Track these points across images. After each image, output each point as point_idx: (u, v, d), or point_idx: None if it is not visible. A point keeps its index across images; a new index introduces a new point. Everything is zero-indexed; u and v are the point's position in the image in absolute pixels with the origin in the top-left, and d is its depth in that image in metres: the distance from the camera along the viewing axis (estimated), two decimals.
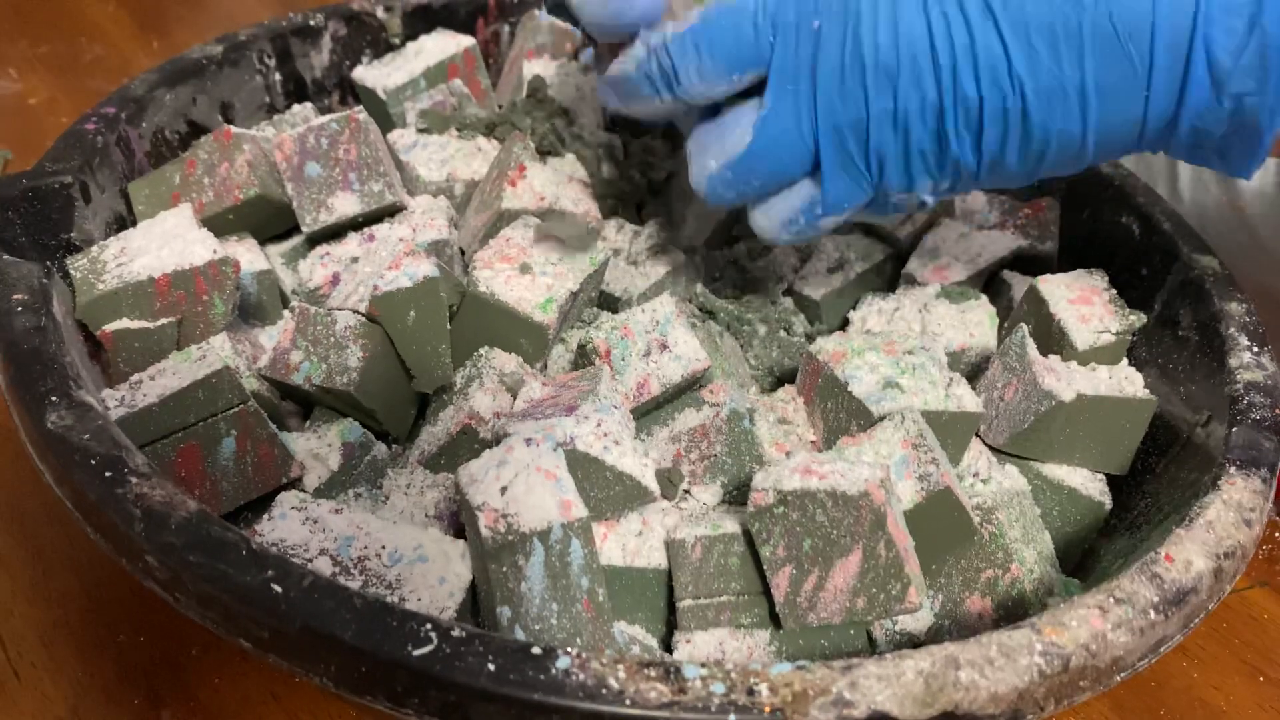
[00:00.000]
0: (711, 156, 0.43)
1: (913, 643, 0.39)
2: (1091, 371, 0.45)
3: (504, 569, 0.34)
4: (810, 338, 0.53)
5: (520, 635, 0.34)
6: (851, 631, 0.37)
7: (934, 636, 0.39)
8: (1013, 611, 0.39)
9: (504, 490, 0.35)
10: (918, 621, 0.40)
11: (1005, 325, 0.51)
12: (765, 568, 0.37)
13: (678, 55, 0.41)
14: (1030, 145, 0.39)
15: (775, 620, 0.38)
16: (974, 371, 0.49)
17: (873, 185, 0.42)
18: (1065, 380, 0.44)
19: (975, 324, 0.49)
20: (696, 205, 0.56)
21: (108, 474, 0.33)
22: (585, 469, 0.38)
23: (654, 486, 0.39)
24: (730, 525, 0.38)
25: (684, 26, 0.41)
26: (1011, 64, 0.37)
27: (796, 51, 0.39)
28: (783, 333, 0.54)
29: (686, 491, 0.43)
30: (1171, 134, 0.37)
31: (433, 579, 0.36)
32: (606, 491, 0.39)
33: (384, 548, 0.36)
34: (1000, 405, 0.45)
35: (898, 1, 0.38)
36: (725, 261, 0.55)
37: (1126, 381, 0.46)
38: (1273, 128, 0.35)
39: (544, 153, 0.55)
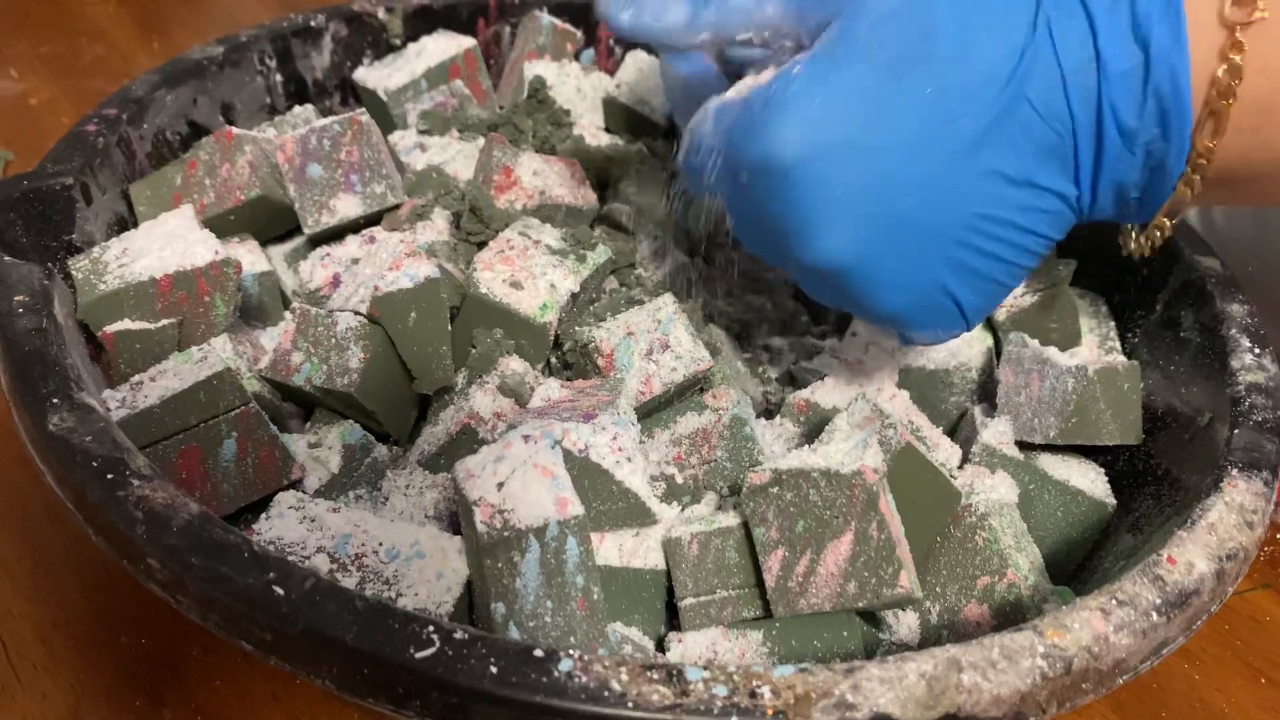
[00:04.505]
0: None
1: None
2: (1077, 352, 0.46)
3: (499, 565, 0.34)
4: (813, 336, 0.53)
5: (514, 632, 0.34)
6: (845, 632, 0.37)
7: (932, 645, 0.39)
8: (1010, 618, 0.39)
9: (501, 486, 0.35)
10: (914, 632, 0.40)
11: None
12: (758, 550, 0.37)
13: (684, 172, 0.43)
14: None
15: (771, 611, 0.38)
16: (979, 387, 0.49)
17: None
18: (1075, 360, 0.44)
19: (967, 337, 0.49)
20: (697, 205, 0.56)
21: (109, 476, 0.33)
22: (593, 479, 0.38)
23: (657, 510, 0.39)
24: (726, 520, 0.38)
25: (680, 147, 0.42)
26: None
27: (735, 202, 0.40)
28: (781, 335, 0.54)
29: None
30: (1094, 198, 0.39)
31: (430, 575, 0.36)
32: (610, 505, 0.39)
33: (381, 545, 0.36)
34: (1033, 404, 0.45)
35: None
36: (727, 264, 0.55)
37: (1107, 356, 0.47)
38: (1179, 168, 0.37)
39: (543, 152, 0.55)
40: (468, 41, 0.62)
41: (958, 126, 0.36)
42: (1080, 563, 0.45)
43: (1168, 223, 0.40)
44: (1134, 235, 0.43)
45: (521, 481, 0.35)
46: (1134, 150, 0.37)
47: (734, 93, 0.41)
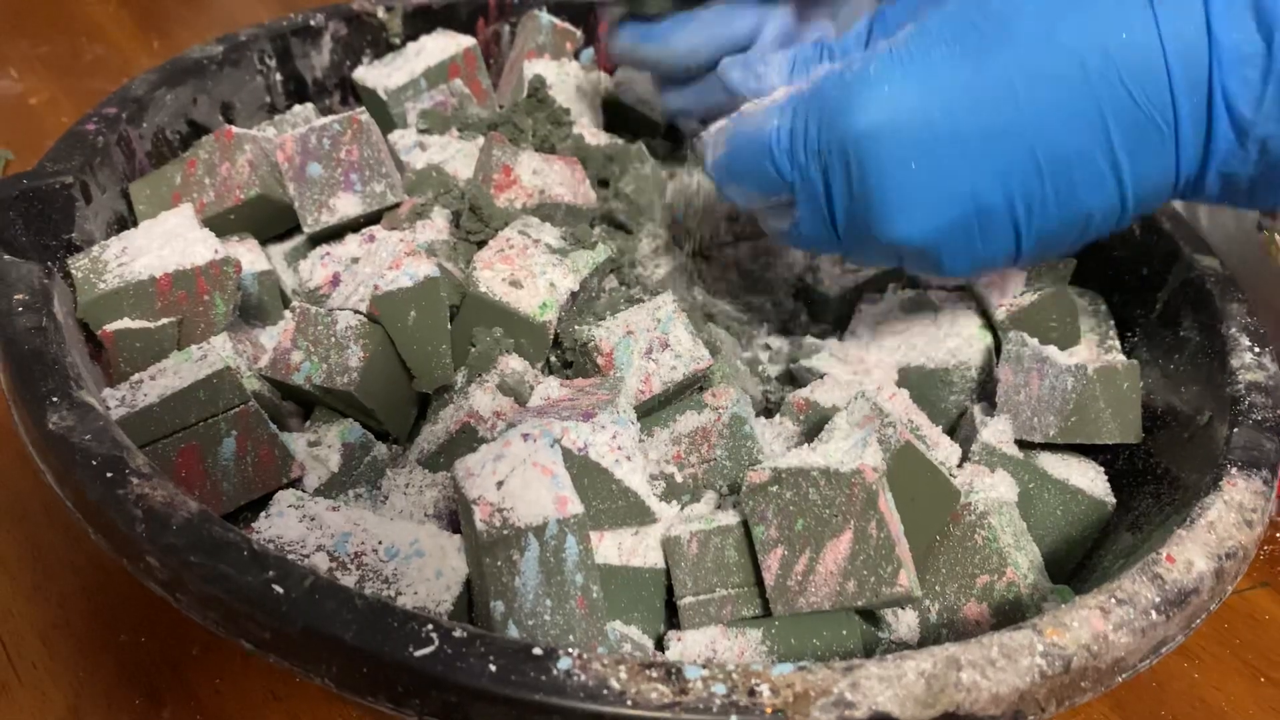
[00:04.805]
0: (776, 223, 0.45)
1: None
2: (1076, 351, 0.46)
3: (498, 563, 0.34)
4: (813, 335, 0.53)
5: (513, 631, 0.34)
6: (844, 631, 0.37)
7: (931, 644, 0.39)
8: (1010, 617, 0.39)
9: (500, 484, 0.35)
10: (914, 630, 0.40)
11: None
12: (757, 549, 0.37)
13: (721, 184, 0.45)
14: (1071, 226, 0.39)
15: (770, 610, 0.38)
16: (979, 386, 0.49)
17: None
18: (1074, 359, 0.44)
19: (967, 336, 0.49)
20: (697, 204, 0.56)
21: (109, 474, 0.33)
22: (593, 478, 0.38)
23: (656, 509, 0.39)
24: (726, 518, 0.38)
25: (719, 156, 0.44)
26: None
27: (810, 187, 0.41)
28: (781, 335, 0.54)
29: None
30: (1200, 183, 0.38)
31: (429, 573, 0.36)
32: (609, 504, 0.39)
33: (380, 543, 0.36)
34: (1033, 403, 0.45)
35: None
36: (727, 263, 0.55)
37: (1106, 355, 0.46)
38: None
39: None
40: (467, 41, 0.62)
41: (1040, 110, 0.36)
42: (1079, 561, 0.45)
43: None
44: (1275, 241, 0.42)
45: (521, 480, 0.35)
46: (1246, 145, 0.35)
47: (778, 95, 0.42)
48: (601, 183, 0.55)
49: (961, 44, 0.37)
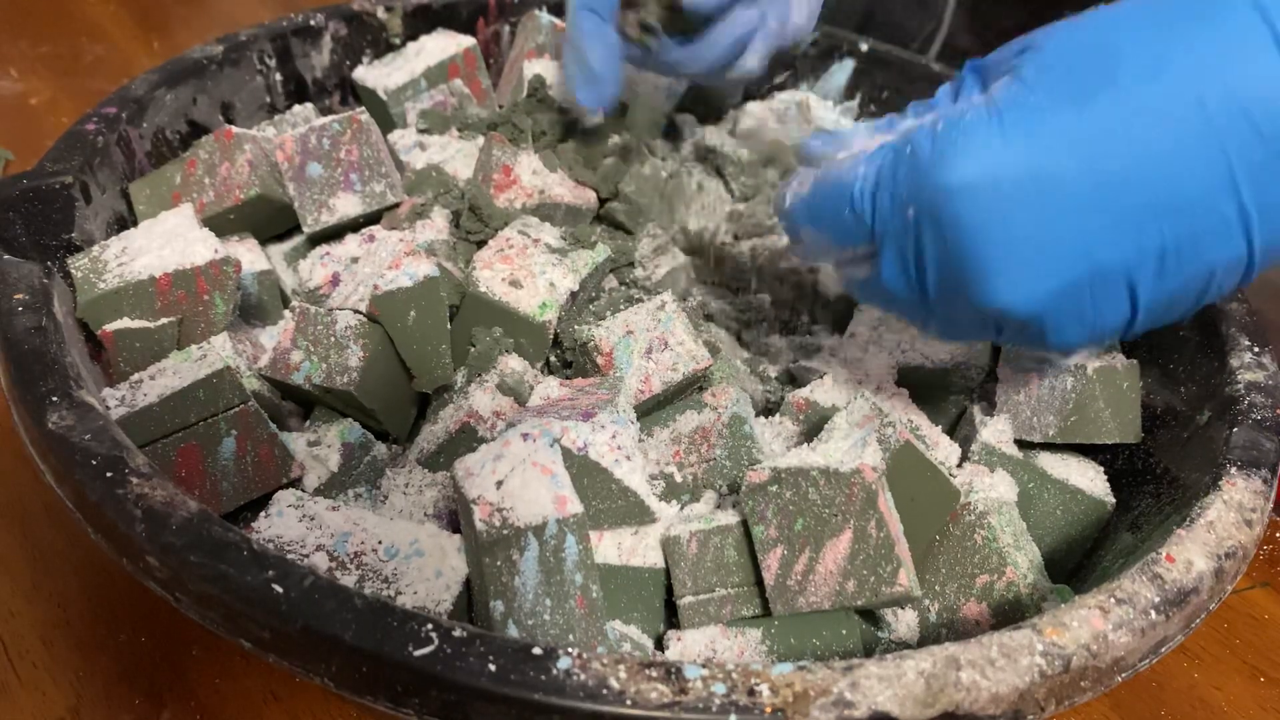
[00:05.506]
0: (852, 273, 0.42)
1: None
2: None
3: (498, 563, 0.34)
4: (813, 335, 0.53)
5: (513, 630, 0.34)
6: (844, 630, 0.37)
7: (931, 643, 0.39)
8: (1009, 616, 0.39)
9: (500, 484, 0.35)
10: (913, 630, 0.40)
11: None
12: (756, 549, 0.37)
13: (793, 227, 0.42)
14: (1193, 284, 0.35)
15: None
16: (979, 386, 0.49)
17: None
18: (1075, 359, 0.44)
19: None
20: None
21: (108, 474, 0.33)
22: (592, 477, 0.38)
23: (656, 508, 0.39)
24: (725, 518, 0.38)
25: (799, 197, 0.41)
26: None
27: (897, 238, 0.37)
28: (781, 335, 0.54)
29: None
30: None
31: (429, 573, 0.36)
32: (609, 504, 0.39)
33: (380, 543, 0.36)
34: (1032, 403, 0.45)
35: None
36: (727, 263, 0.55)
37: (1106, 355, 0.46)
38: None
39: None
40: (467, 41, 0.62)
41: (1154, 153, 0.33)
42: (1079, 561, 0.45)
43: None
44: None
45: (520, 480, 0.35)
46: None
47: (859, 146, 0.39)
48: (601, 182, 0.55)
49: (1062, 89, 0.34)
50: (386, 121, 0.60)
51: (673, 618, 0.39)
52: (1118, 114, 0.33)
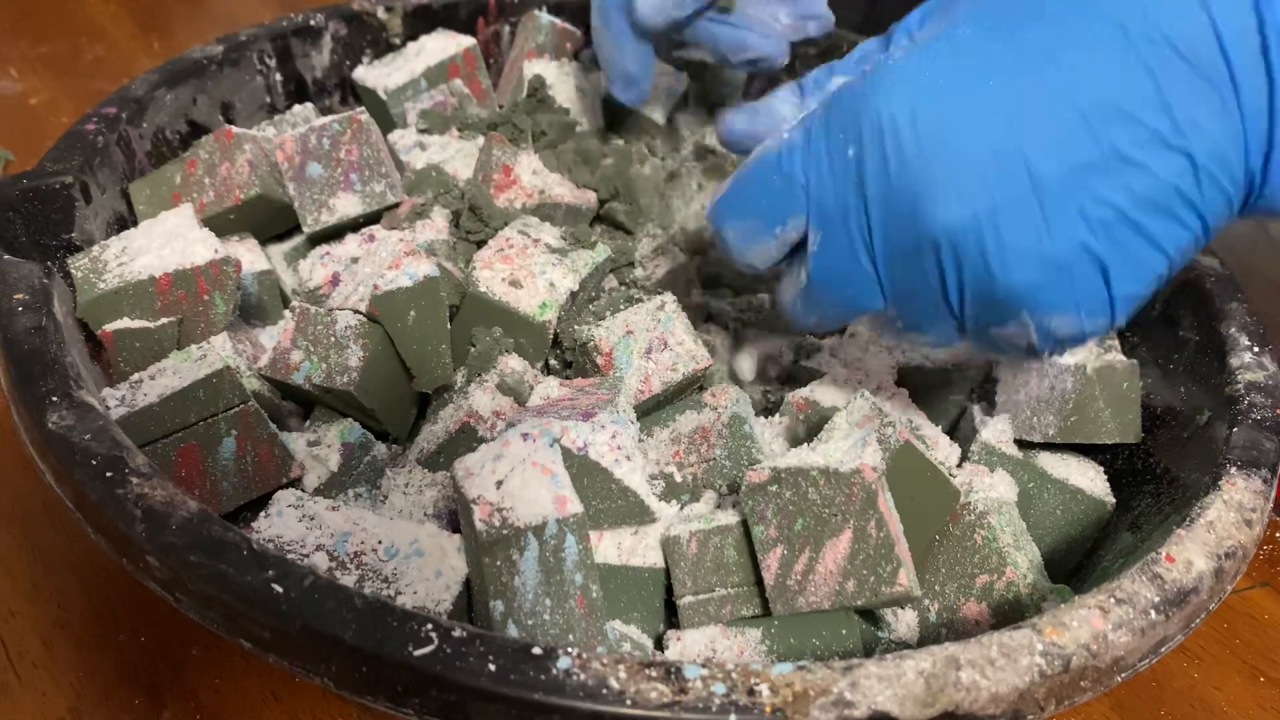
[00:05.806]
0: (786, 289, 0.41)
1: None
2: (1075, 350, 0.46)
3: (498, 563, 0.34)
4: (813, 334, 0.53)
5: (513, 630, 0.34)
6: (844, 630, 0.37)
7: (931, 643, 0.39)
8: (1009, 616, 0.39)
9: (500, 484, 0.35)
10: (913, 630, 0.40)
11: None
12: (756, 549, 0.37)
13: (719, 225, 0.41)
14: (1154, 203, 0.35)
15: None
16: (979, 386, 0.49)
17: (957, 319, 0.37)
18: (1074, 359, 0.44)
19: None
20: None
21: (108, 474, 0.33)
22: (592, 477, 0.38)
23: (656, 508, 0.39)
24: (725, 518, 0.38)
25: (720, 190, 0.40)
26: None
27: (835, 185, 0.37)
28: (780, 334, 0.54)
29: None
30: (1265, 174, 0.34)
31: (429, 573, 0.36)
32: (609, 504, 0.39)
33: (380, 543, 0.36)
34: (1032, 402, 0.45)
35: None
36: (727, 263, 0.55)
37: (1106, 355, 0.46)
38: None
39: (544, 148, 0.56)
40: (467, 41, 0.62)
41: (1079, 75, 0.33)
42: (1079, 561, 0.45)
43: None
44: None
45: (520, 479, 0.35)
46: None
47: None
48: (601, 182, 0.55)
49: (988, 23, 0.35)
50: (386, 121, 0.60)
51: (673, 618, 0.39)
52: (1044, 39, 0.34)
